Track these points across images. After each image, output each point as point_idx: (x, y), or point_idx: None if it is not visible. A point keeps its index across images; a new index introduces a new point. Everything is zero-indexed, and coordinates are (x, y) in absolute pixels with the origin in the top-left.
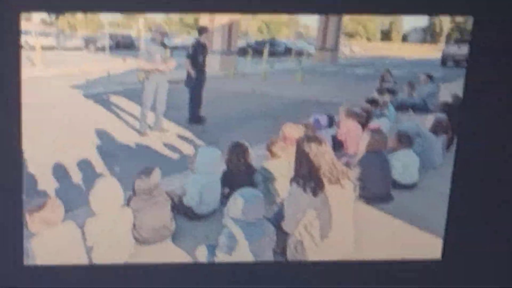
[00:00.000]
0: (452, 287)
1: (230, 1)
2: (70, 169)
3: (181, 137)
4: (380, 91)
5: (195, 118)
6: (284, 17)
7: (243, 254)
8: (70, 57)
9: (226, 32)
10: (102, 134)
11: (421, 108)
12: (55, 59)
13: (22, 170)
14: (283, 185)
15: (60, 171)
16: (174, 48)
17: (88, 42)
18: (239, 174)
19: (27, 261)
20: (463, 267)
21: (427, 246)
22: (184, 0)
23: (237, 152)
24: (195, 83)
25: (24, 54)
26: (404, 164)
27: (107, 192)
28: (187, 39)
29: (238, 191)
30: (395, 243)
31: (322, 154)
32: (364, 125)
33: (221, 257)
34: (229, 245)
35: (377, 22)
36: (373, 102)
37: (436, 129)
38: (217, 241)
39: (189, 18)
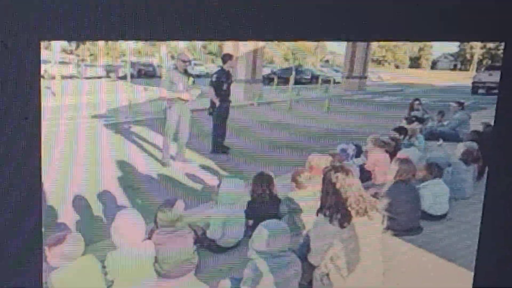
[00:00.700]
0: None
1: (255, 28)
2: (91, 201)
3: (205, 168)
4: (409, 120)
5: (218, 148)
6: (310, 44)
7: (268, 287)
8: (91, 86)
9: (251, 59)
10: (123, 165)
11: (451, 137)
12: (75, 88)
13: (42, 202)
14: (309, 217)
15: (80, 203)
16: (197, 76)
17: (109, 70)
18: (263, 205)
19: None
20: None
21: (458, 279)
22: (208, 28)
23: (262, 183)
24: (219, 112)
25: (44, 83)
26: (433, 195)
27: (129, 224)
28: (211, 67)
29: (263, 223)
30: (424, 276)
31: (349, 185)
32: (392, 154)
33: None
34: (253, 278)
35: (405, 48)
36: (401, 130)
37: (466, 158)
38: (242, 274)
39: (212, 45)
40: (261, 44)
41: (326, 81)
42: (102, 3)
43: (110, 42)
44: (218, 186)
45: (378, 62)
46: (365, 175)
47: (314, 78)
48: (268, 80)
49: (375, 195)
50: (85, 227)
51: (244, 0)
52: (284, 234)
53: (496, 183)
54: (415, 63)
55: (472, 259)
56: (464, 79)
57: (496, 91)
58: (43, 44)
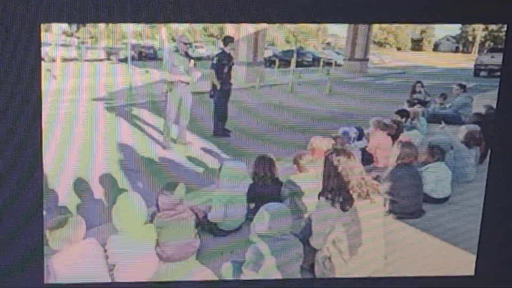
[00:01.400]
0: None
1: (256, 11)
2: (92, 184)
3: (206, 150)
4: (411, 102)
5: (220, 131)
6: (312, 27)
7: (270, 270)
8: (92, 69)
9: (252, 42)
10: (124, 148)
11: (454, 119)
12: (76, 71)
13: (43, 185)
14: (311, 200)
15: (81, 187)
16: (199, 59)
17: (110, 53)
18: (265, 188)
19: (48, 280)
20: (497, 284)
21: (460, 262)
22: (209, 10)
23: (263, 166)
24: (220, 95)
25: (44, 66)
26: (436, 178)
27: (130, 208)
28: (212, 49)
29: (264, 206)
30: (426, 259)
31: (351, 168)
32: (394, 137)
33: (247, 274)
34: (255, 262)
35: (407, 31)
36: (403, 113)
37: (469, 141)
38: (243, 258)
39: (214, 27)
40: (262, 26)
41: (328, 63)
42: None
43: (111, 25)
44: (220, 169)
45: (380, 45)
46: (367, 158)
47: (316, 61)
48: (269, 62)
49: (377, 178)
50: (86, 211)
51: None
52: (285, 217)
53: (498, 165)
54: (417, 45)
55: (474, 242)
56: (466, 61)
57: (498, 73)
58: (43, 26)
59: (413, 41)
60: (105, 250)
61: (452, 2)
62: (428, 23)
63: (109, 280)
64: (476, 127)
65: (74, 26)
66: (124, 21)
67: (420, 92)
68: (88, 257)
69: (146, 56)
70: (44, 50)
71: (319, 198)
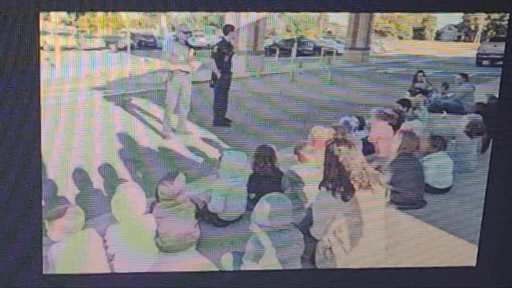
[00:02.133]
0: None
1: None
2: (91, 174)
3: (206, 140)
4: (413, 92)
5: (220, 121)
6: (313, 15)
7: (270, 261)
8: (91, 58)
9: (253, 31)
10: (123, 138)
11: (455, 109)
12: (75, 60)
13: (41, 175)
14: (312, 190)
15: (80, 177)
16: (199, 48)
17: (109, 42)
18: (265, 178)
19: (47, 270)
20: (499, 275)
21: (462, 252)
22: None
23: (264, 156)
24: (220, 84)
25: (43, 55)
26: (437, 168)
27: (129, 198)
28: (212, 38)
29: (265, 196)
30: (428, 250)
31: (352, 158)
32: (395, 127)
33: (247, 264)
34: (256, 253)
35: (409, 19)
36: (405, 103)
37: (471, 131)
38: (243, 248)
39: (214, 16)
40: (263, 15)
41: (329, 52)
42: None
43: (110, 13)
44: (220, 159)
45: (381, 33)
46: (368, 148)
47: (317, 50)
48: (270, 51)
49: (378, 168)
50: (86, 201)
51: None
52: (286, 208)
53: (500, 155)
54: (419, 34)
55: (476, 233)
56: (468, 50)
57: (500, 62)
58: (42, 15)
59: (414, 30)
60: (105, 241)
61: None
62: (430, 12)
63: (109, 271)
64: (478, 117)
65: (73, 15)
66: (123, 10)
67: (421, 81)
68: (87, 248)
69: (145, 45)
70: (43, 39)
71: (320, 188)
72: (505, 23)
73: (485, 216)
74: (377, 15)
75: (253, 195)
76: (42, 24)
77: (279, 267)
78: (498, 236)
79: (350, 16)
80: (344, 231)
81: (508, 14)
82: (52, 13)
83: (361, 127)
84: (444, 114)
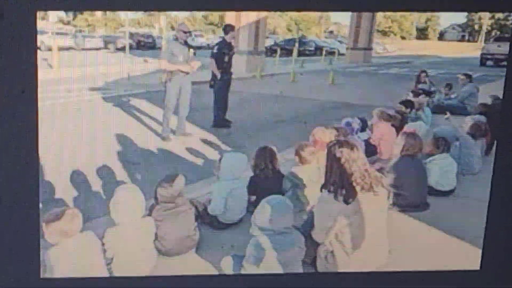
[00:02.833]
0: None
1: None
2: (89, 176)
3: (206, 142)
4: (416, 93)
5: (220, 122)
6: (314, 14)
7: (271, 265)
8: (89, 58)
9: (253, 30)
10: (122, 139)
11: (459, 110)
12: (73, 60)
13: (39, 177)
14: (313, 192)
15: (78, 179)
16: (198, 48)
17: (108, 42)
18: (266, 180)
19: (44, 274)
20: (504, 279)
21: (465, 256)
22: None
23: (265, 157)
24: (220, 85)
25: (40, 55)
26: (441, 170)
27: (128, 200)
28: (212, 38)
29: (265, 199)
30: (431, 253)
31: (354, 160)
32: (398, 128)
33: (248, 268)
34: (256, 256)
35: (412, 19)
36: (408, 104)
37: (474, 132)
38: (244, 252)
39: (214, 16)
40: (263, 14)
41: (331, 52)
42: None
43: (108, 12)
44: (220, 160)
45: (384, 33)
46: (371, 150)
47: (318, 50)
48: (270, 51)
49: (380, 170)
50: (84, 203)
51: None
52: (287, 210)
53: (505, 157)
54: (422, 34)
55: (480, 236)
56: (472, 50)
57: (505, 62)
58: (39, 14)
59: (418, 29)
60: (103, 244)
61: None
62: (433, 11)
63: (107, 274)
64: (482, 118)
65: (71, 14)
66: (122, 9)
67: (425, 82)
68: (85, 251)
69: (144, 45)
70: (40, 38)
71: (321, 191)
72: (509, 22)
73: (489, 218)
74: (380, 15)
75: (253, 198)
76: (39, 24)
77: (280, 270)
78: (503, 239)
79: (352, 15)
80: (346, 234)
81: None
82: (49, 12)
83: (363, 128)
84: (448, 115)
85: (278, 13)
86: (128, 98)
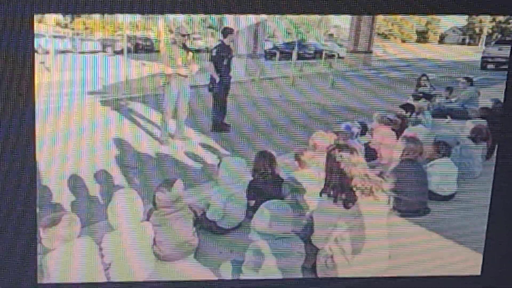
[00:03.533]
0: None
1: (257, 1)
2: (87, 181)
3: (204, 146)
4: (416, 96)
5: (219, 126)
6: (314, 18)
7: (270, 270)
8: (86, 61)
9: (252, 34)
10: (120, 143)
11: (460, 114)
12: (70, 63)
13: (36, 182)
14: (313, 197)
15: (76, 183)
16: (197, 51)
17: (105, 45)
18: (265, 185)
19: (41, 279)
20: (505, 284)
21: (466, 261)
22: (208, 1)
23: (264, 162)
24: (219, 88)
25: (37, 58)
26: (441, 174)
27: (126, 205)
28: (211, 41)
29: (264, 204)
30: (432, 259)
31: (354, 164)
32: (398, 132)
33: (247, 273)
34: (255, 261)
35: (412, 22)
36: (408, 107)
37: (475, 136)
38: (243, 257)
39: (212, 19)
40: (262, 17)
41: (330, 56)
42: None
43: (106, 15)
44: (219, 165)
45: (384, 36)
46: (371, 154)
47: (318, 53)
48: (270, 55)
49: (380, 175)
50: (81, 208)
51: None
52: (286, 215)
53: (506, 162)
54: (422, 37)
55: (481, 241)
56: (473, 53)
57: (506, 66)
58: (36, 17)
59: (418, 32)
60: (101, 249)
61: None
62: (434, 14)
63: (105, 280)
64: (483, 122)
65: (68, 17)
66: (119, 12)
67: (425, 85)
68: (83, 256)
69: (142, 48)
70: (38, 42)
71: (321, 195)
72: (510, 25)
73: (490, 223)
74: (380, 18)
75: (252, 202)
76: (36, 27)
77: (279, 276)
78: (504, 244)
79: (352, 18)
80: (346, 239)
81: None
82: (47, 15)
83: (363, 132)
84: (448, 119)
85: (277, 16)
86: (126, 101)
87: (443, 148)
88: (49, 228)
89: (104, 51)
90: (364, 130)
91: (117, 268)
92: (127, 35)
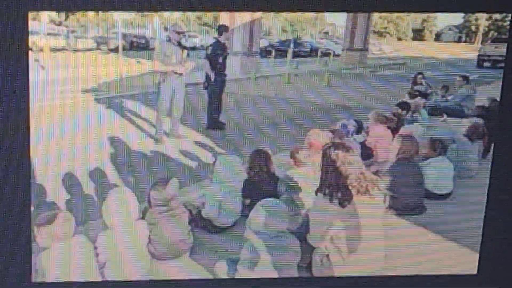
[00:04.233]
0: None
1: None
2: (82, 179)
3: (200, 144)
4: (412, 94)
5: (214, 124)
6: (309, 15)
7: (266, 269)
8: (81, 59)
9: (248, 31)
10: (115, 142)
11: (456, 112)
12: (65, 61)
13: (30, 180)
14: (308, 196)
15: (70, 182)
16: (192, 49)
17: (100, 42)
18: (261, 183)
19: (36, 278)
20: (501, 283)
21: (462, 260)
22: None
23: (259, 160)
24: (214, 86)
25: (32, 56)
26: (437, 173)
27: (121, 204)
28: (206, 39)
29: (260, 202)
30: (428, 258)
31: (350, 162)
32: (394, 130)
33: (242, 272)
34: (251, 260)
35: (408, 20)
36: (404, 106)
37: (471, 134)
38: (238, 255)
39: (207, 16)
40: (258, 15)
41: (326, 54)
42: None
43: (100, 13)
44: (214, 163)
45: (380, 34)
46: (366, 152)
47: (313, 51)
48: (265, 52)
49: (376, 173)
50: (76, 207)
51: None
52: (282, 214)
53: (502, 160)
54: (418, 35)
55: (477, 240)
56: (469, 52)
57: (502, 64)
58: (30, 14)
59: (414, 30)
60: (95, 248)
61: None
62: (430, 12)
63: (100, 279)
64: (479, 120)
65: (63, 15)
66: (114, 9)
67: (421, 83)
68: (78, 255)
69: (137, 46)
70: (32, 39)
71: (316, 194)
72: (506, 23)
73: (486, 222)
74: (376, 15)
75: (248, 201)
76: (30, 24)
77: (274, 274)
78: (500, 243)
79: (348, 16)
80: (342, 237)
81: (510, 15)
82: (41, 13)
83: (359, 130)
84: (444, 117)
85: (273, 14)
86: (121, 99)
87: (439, 146)
88: (44, 226)
89: (98, 48)
90: (360, 128)
91: (112, 266)
92: (122, 33)
